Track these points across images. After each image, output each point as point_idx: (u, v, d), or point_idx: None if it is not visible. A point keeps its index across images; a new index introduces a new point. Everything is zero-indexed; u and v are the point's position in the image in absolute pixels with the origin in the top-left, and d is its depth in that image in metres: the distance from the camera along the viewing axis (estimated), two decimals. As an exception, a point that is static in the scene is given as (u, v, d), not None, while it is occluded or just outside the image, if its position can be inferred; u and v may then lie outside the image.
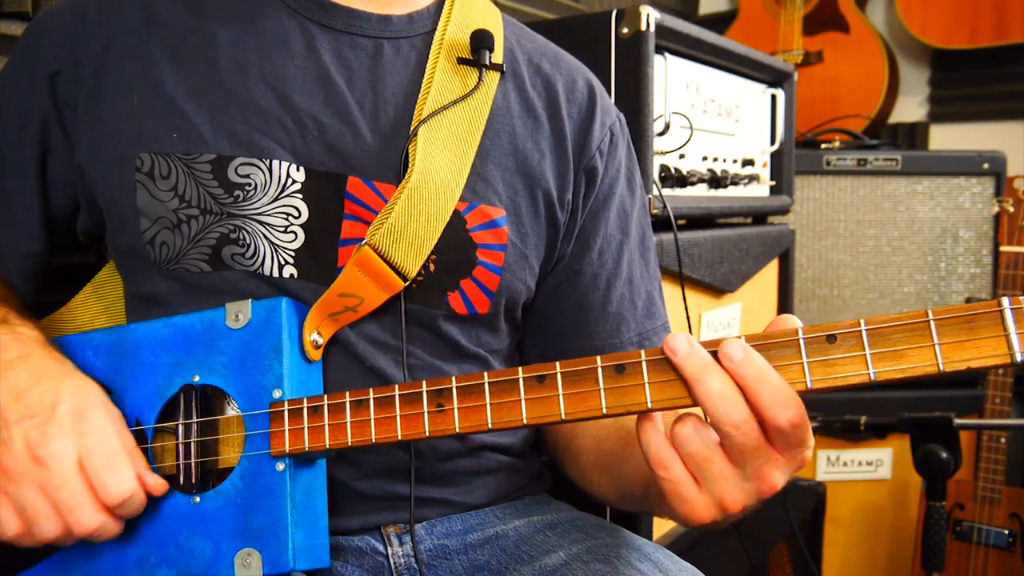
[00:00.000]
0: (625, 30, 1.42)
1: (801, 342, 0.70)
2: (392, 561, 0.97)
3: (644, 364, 0.73)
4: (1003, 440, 2.26)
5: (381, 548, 0.97)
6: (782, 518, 1.97)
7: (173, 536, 0.86)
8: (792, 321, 0.72)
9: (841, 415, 2.00)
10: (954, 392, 2.42)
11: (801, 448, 0.71)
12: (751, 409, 0.69)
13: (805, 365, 0.69)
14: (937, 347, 0.66)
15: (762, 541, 1.90)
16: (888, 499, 2.49)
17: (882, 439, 2.44)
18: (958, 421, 1.76)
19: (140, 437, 0.89)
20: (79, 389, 0.84)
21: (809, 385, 0.69)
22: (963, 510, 2.32)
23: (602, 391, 0.74)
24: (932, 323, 0.66)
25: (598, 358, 0.75)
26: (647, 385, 0.73)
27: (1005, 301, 0.65)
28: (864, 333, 0.68)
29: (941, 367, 0.66)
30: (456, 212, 0.95)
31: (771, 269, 1.99)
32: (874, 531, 2.51)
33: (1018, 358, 0.65)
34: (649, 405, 0.73)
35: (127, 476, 0.81)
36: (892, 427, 1.85)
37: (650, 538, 1.48)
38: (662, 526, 1.59)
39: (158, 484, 0.84)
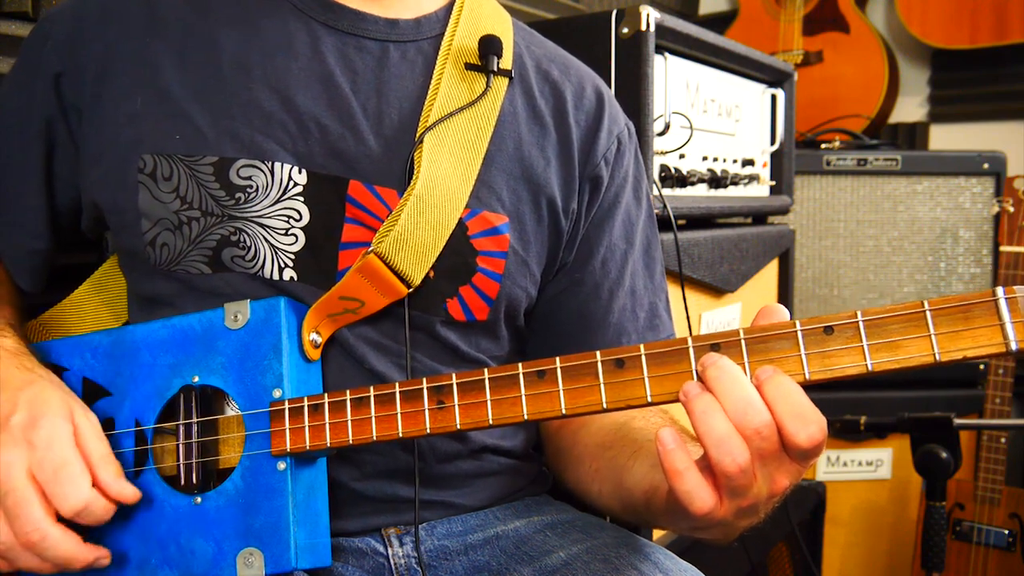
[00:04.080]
0: (625, 30, 1.42)
1: (799, 334, 0.70)
2: (392, 562, 0.97)
3: (644, 358, 0.73)
4: (1003, 440, 2.26)
5: (381, 549, 0.98)
6: (782, 518, 1.97)
7: (175, 537, 0.86)
8: (779, 311, 0.72)
9: (841, 415, 2.00)
10: (954, 392, 2.42)
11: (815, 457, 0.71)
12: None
13: (803, 357, 0.70)
14: (933, 337, 0.67)
15: (762, 541, 1.90)
16: (888, 499, 2.49)
17: (882, 439, 2.44)
18: (958, 421, 1.76)
19: (140, 438, 0.89)
20: (38, 398, 0.83)
21: (807, 376, 0.70)
22: (963, 510, 2.32)
23: (602, 385, 0.74)
24: (928, 313, 0.67)
25: (598, 353, 0.75)
26: (647, 379, 0.73)
27: (999, 291, 0.65)
28: (861, 324, 0.68)
29: (937, 357, 0.67)
30: (459, 219, 0.94)
31: (771, 269, 1.99)
32: (874, 531, 2.51)
33: (1013, 347, 0.65)
34: (649, 399, 0.73)
35: (78, 487, 0.80)
36: (892, 427, 1.85)
37: (650, 538, 1.48)
38: (662, 526, 1.59)
39: (125, 494, 0.83)
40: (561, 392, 0.75)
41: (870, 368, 0.68)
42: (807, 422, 0.68)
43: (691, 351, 0.72)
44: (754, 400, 0.68)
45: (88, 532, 0.84)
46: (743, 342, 0.71)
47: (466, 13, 1.02)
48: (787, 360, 0.70)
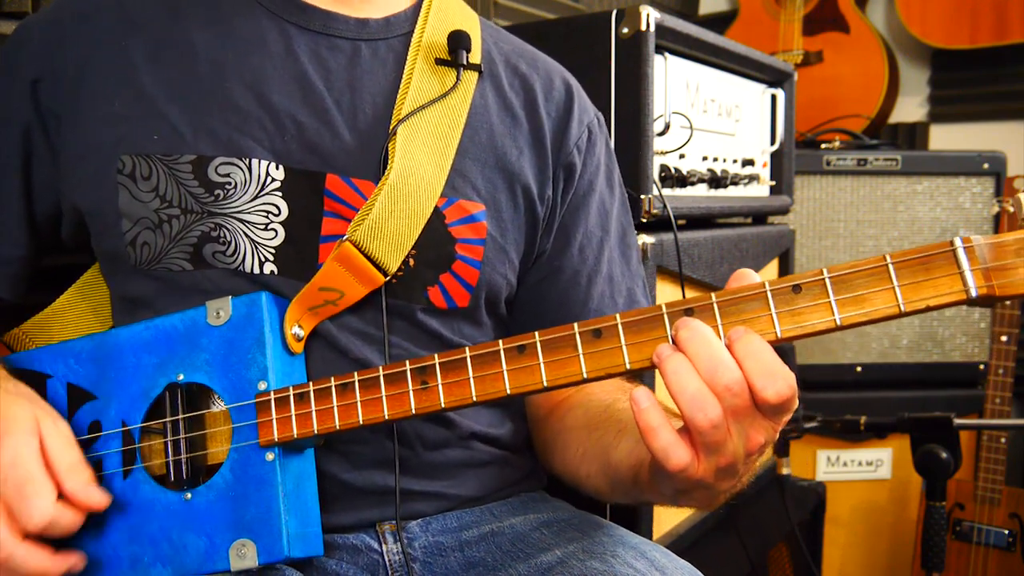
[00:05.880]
0: (625, 30, 1.42)
1: (768, 294, 0.72)
2: (387, 558, 0.97)
3: (620, 327, 0.75)
4: (1003, 440, 2.25)
5: (376, 545, 0.98)
6: (782, 518, 1.97)
7: (166, 534, 0.86)
8: (749, 275, 0.74)
9: (841, 415, 2.00)
10: (954, 392, 2.42)
11: (787, 414, 0.73)
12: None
13: (774, 316, 0.72)
14: (897, 289, 0.69)
15: (762, 541, 1.90)
16: (888, 499, 2.49)
17: (882, 439, 2.44)
18: (958, 421, 1.76)
19: (127, 438, 0.89)
20: (2, 416, 0.83)
21: (779, 335, 0.72)
22: (963, 510, 2.32)
23: (581, 356, 0.76)
24: (891, 266, 0.69)
25: (575, 324, 0.76)
26: (624, 347, 0.75)
27: (957, 240, 0.68)
28: (827, 281, 0.71)
29: (902, 308, 0.69)
30: (435, 208, 0.96)
31: (771, 269, 1.99)
32: (874, 531, 2.51)
33: (973, 293, 0.67)
34: (628, 365, 0.75)
35: (42, 504, 0.81)
36: (892, 427, 1.85)
37: (650, 537, 1.48)
38: (662, 525, 1.59)
39: (93, 500, 0.84)
40: (542, 365, 0.77)
41: (838, 323, 0.70)
42: (775, 378, 0.69)
43: (665, 317, 0.74)
44: (724, 358, 0.70)
45: (71, 536, 0.85)
46: (715, 305, 0.73)
47: (434, 11, 1.05)
48: (759, 320, 0.72)
